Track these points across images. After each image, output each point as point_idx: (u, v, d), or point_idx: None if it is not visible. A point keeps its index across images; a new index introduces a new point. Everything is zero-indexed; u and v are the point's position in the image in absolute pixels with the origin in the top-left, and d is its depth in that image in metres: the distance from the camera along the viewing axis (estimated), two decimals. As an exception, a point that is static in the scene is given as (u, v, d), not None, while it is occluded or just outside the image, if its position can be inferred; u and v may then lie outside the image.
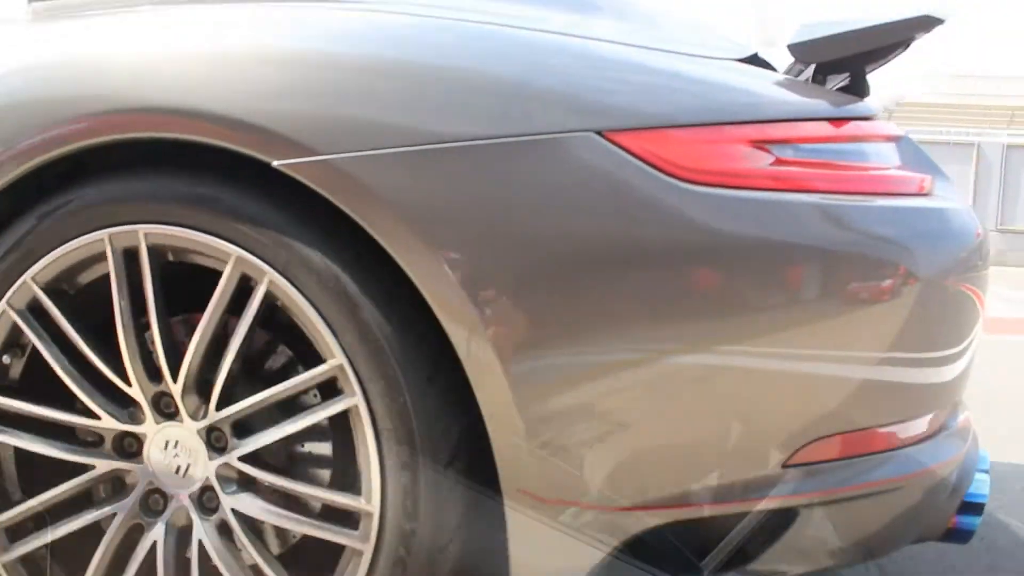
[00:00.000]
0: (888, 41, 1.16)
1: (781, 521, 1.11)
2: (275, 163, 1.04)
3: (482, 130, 1.03)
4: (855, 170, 1.12)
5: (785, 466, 1.07)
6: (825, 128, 1.13)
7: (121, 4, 1.35)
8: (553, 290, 1.03)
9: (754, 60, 1.23)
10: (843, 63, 1.21)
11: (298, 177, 1.02)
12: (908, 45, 1.21)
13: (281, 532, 1.24)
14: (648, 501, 1.08)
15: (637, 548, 1.09)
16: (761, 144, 1.06)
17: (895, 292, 1.06)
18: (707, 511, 1.09)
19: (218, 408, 1.11)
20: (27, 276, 1.15)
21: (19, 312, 1.16)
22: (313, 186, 1.03)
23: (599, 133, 1.02)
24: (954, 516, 1.25)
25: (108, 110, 1.08)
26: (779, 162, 1.06)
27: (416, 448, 1.05)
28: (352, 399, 1.05)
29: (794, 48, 1.17)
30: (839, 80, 1.25)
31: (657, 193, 1.02)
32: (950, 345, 1.16)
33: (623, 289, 1.02)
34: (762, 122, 1.07)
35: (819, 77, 1.21)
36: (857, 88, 1.26)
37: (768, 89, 1.16)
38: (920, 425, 1.18)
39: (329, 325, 1.05)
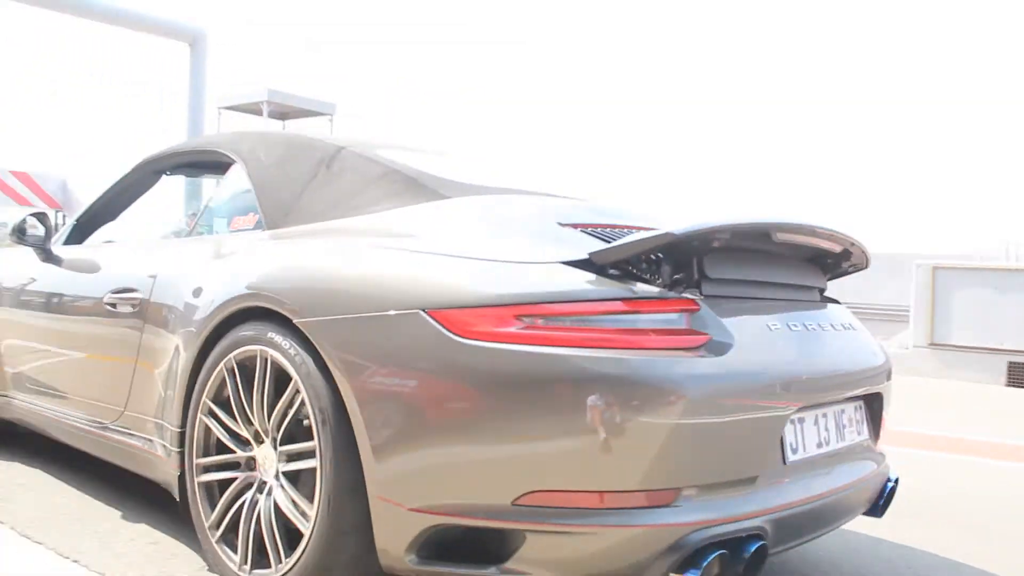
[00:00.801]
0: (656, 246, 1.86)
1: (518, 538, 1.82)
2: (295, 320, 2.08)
3: (357, 308, 1.98)
4: (588, 331, 1.79)
5: (514, 504, 1.79)
6: (571, 306, 1.81)
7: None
8: (398, 402, 1.89)
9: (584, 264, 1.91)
10: (625, 263, 1.92)
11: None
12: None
13: (306, 490, 2.12)
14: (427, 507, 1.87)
15: (431, 541, 1.90)
16: (520, 316, 1.80)
17: (582, 412, 1.75)
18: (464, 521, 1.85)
19: (280, 445, 2.17)
20: (232, 355, 2.25)
21: (228, 370, 2.26)
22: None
23: (424, 310, 1.88)
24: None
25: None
26: (528, 327, 1.79)
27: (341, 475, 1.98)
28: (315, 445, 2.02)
29: (593, 255, 1.90)
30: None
31: (449, 345, 1.83)
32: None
33: (436, 400, 1.86)
34: (520, 304, 1.82)
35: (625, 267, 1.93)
36: (653, 274, 1.93)
37: (534, 279, 1.87)
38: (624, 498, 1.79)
39: (312, 409, 2.03)
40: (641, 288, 1.88)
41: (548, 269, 1.90)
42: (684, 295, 1.91)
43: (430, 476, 1.87)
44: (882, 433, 2.50)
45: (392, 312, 1.93)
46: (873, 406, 2.42)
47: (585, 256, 1.92)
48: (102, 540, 2.62)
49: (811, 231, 2.19)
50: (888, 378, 2.47)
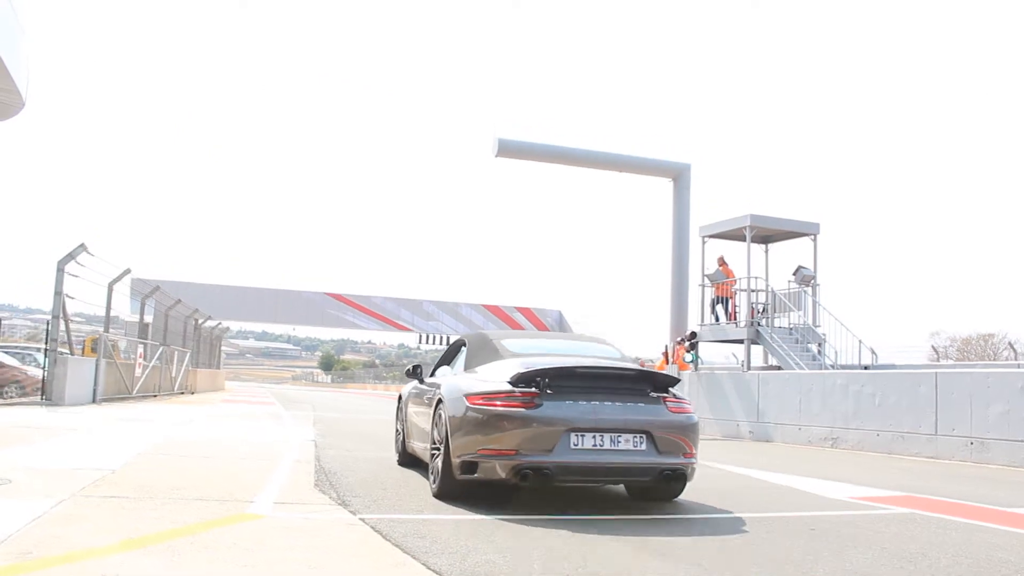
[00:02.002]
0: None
1: None
2: None
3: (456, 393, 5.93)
4: (500, 398, 5.44)
5: (477, 452, 5.49)
6: (496, 394, 5.49)
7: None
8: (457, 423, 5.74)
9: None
10: None
11: None
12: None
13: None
14: None
15: None
16: (484, 395, 5.57)
17: None
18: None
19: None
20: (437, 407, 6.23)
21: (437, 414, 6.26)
22: None
23: (464, 395, 5.77)
24: None
25: None
26: (485, 399, 5.55)
27: None
28: None
29: (510, 380, 5.53)
30: None
31: (466, 404, 5.67)
32: None
33: (463, 421, 5.63)
34: (484, 393, 5.61)
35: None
36: None
37: (492, 386, 5.61)
38: None
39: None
40: (519, 387, 5.39)
41: (499, 383, 5.55)
42: (530, 390, 5.39)
43: (464, 443, 5.51)
44: (667, 451, 5.46)
45: (460, 395, 5.75)
46: (653, 437, 5.42)
47: (511, 380, 5.45)
48: None
49: (599, 368, 5.73)
50: (668, 428, 5.49)
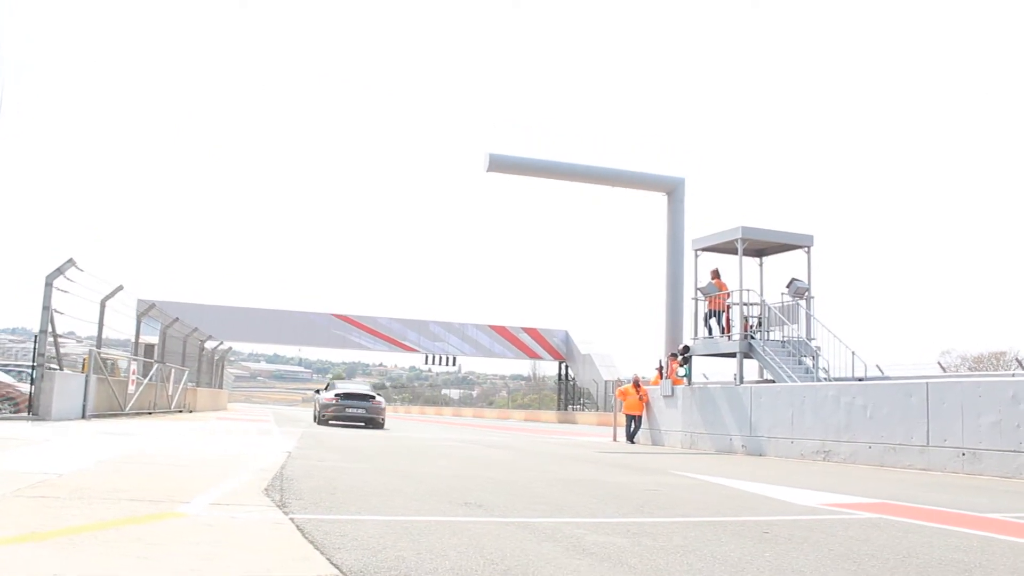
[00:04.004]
0: None
1: None
2: None
3: None
4: None
5: None
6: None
7: None
8: None
9: None
10: None
11: None
12: None
13: None
14: None
15: None
16: None
17: None
18: None
19: None
20: None
21: None
22: None
23: None
24: None
25: None
26: None
27: None
28: None
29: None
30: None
31: None
32: None
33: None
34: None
35: None
36: None
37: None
38: None
39: None
40: (335, 397, 23.37)
41: (331, 396, 23.58)
42: (334, 396, 23.46)
43: (322, 413, 21.90)
44: (374, 413, 23.49)
45: (322, 399, 25.11)
46: (369, 409, 23.15)
47: (336, 394, 23.46)
48: None
49: (357, 392, 23.90)
50: (375, 408, 23.55)
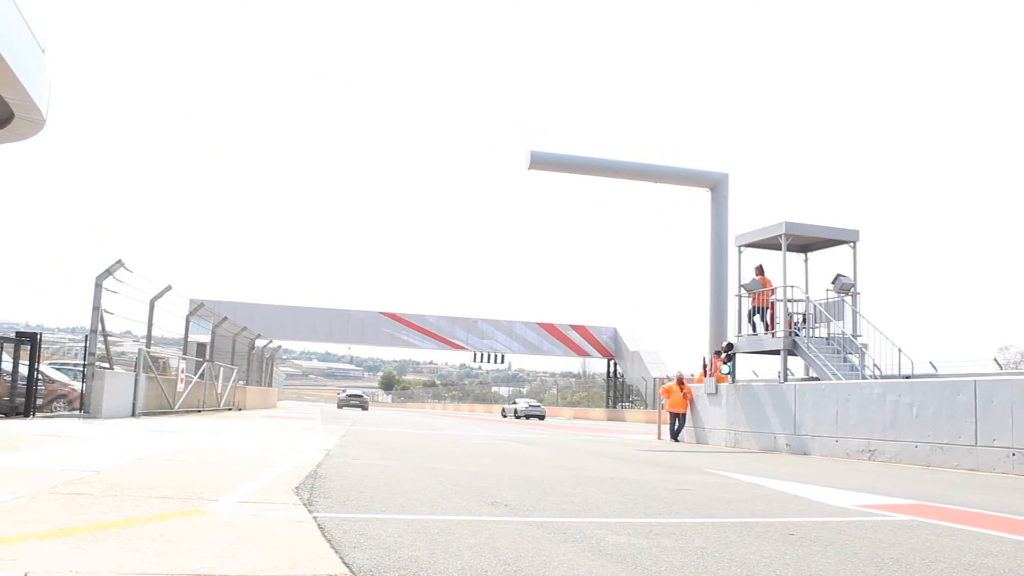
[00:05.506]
0: None
1: None
2: None
3: None
4: None
5: None
6: None
7: None
8: None
9: None
10: None
11: None
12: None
13: None
14: None
15: None
16: None
17: None
18: None
19: None
20: None
21: None
22: None
23: None
24: None
25: None
26: None
27: None
28: None
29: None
30: None
31: None
32: None
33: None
34: None
35: None
36: None
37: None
38: None
39: None
40: (350, 396, 47.11)
41: (345, 394, 48.25)
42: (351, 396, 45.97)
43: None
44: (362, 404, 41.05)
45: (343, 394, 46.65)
46: (359, 401, 51.48)
47: (348, 394, 48.65)
48: None
49: (354, 394, 49.00)
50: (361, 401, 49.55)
